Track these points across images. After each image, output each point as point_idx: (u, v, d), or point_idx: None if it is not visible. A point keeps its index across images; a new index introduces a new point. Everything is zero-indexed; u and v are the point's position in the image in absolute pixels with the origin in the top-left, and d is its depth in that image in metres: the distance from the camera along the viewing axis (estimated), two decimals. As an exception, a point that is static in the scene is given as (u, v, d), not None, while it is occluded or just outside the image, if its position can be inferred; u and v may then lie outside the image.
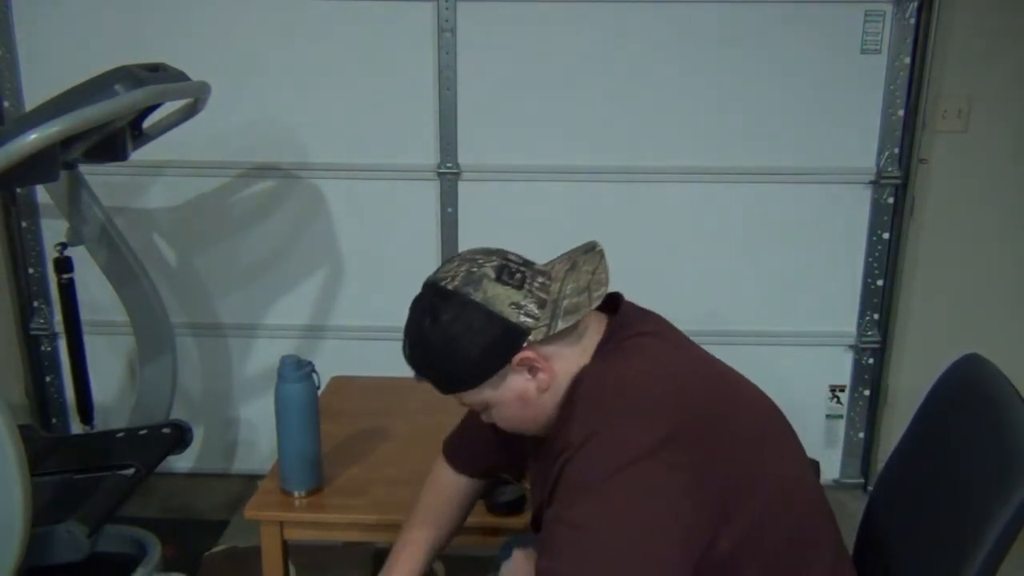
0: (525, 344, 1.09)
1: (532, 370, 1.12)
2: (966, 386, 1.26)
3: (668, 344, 1.17)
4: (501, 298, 1.08)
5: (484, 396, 1.14)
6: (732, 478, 1.03)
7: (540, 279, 1.13)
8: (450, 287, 1.10)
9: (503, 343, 1.09)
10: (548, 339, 1.09)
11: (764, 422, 1.14)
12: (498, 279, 1.10)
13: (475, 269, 1.11)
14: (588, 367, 1.12)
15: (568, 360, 1.12)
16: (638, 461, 1.00)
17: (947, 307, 2.73)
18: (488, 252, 1.15)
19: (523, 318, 1.09)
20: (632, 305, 1.22)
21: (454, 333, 1.09)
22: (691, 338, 1.21)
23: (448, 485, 1.43)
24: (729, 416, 1.09)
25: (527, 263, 1.15)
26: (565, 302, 1.10)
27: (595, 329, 1.15)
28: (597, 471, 1.01)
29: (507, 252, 1.16)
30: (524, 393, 1.13)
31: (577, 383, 1.12)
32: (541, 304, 1.10)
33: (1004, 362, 1.26)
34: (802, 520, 1.11)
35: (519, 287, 1.10)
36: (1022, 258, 2.70)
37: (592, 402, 1.08)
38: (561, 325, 1.08)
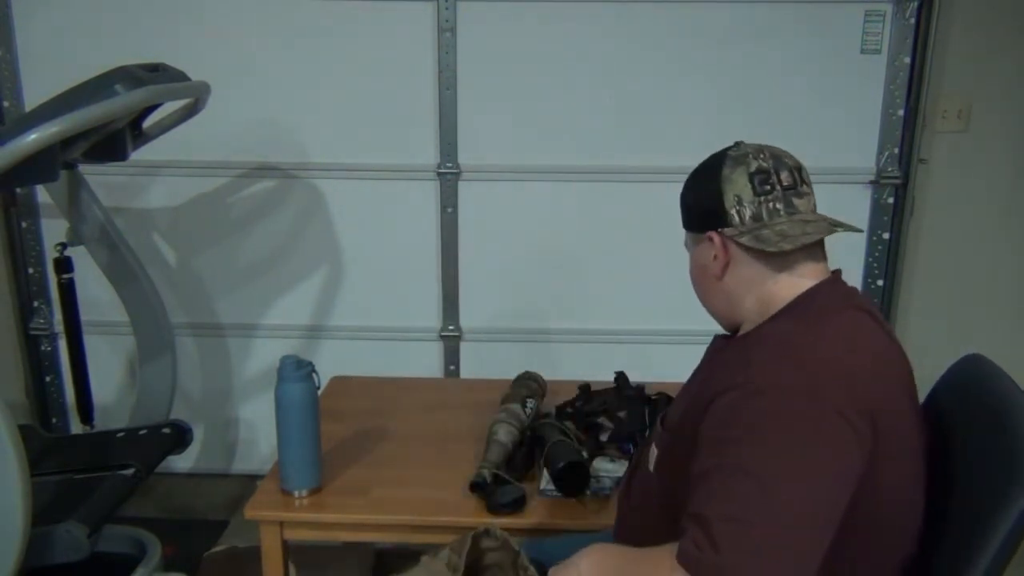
0: (720, 229, 1.19)
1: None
2: (970, 387, 1.26)
3: (863, 327, 1.18)
4: (736, 186, 1.18)
5: (690, 241, 1.28)
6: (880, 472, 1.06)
7: (781, 205, 1.18)
8: (730, 152, 1.21)
9: (706, 213, 1.21)
10: (740, 244, 1.18)
11: (920, 442, 1.16)
12: (751, 175, 1.18)
13: (751, 157, 1.19)
14: (778, 325, 1.16)
15: (745, 272, 1.20)
16: (806, 413, 1.02)
17: (947, 307, 2.73)
18: (778, 156, 1.20)
19: (733, 212, 1.18)
20: (839, 283, 1.26)
21: (693, 177, 1.25)
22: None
23: None
24: (896, 417, 1.10)
25: (794, 186, 1.19)
26: (766, 231, 1.17)
27: (799, 274, 1.20)
28: (766, 413, 1.04)
29: (795, 167, 1.21)
30: (704, 264, 1.24)
31: (762, 334, 1.17)
32: (757, 218, 1.18)
33: (1004, 362, 1.26)
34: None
35: (757, 194, 1.18)
36: (1022, 258, 2.70)
37: (772, 356, 1.11)
38: (746, 242, 1.17)
